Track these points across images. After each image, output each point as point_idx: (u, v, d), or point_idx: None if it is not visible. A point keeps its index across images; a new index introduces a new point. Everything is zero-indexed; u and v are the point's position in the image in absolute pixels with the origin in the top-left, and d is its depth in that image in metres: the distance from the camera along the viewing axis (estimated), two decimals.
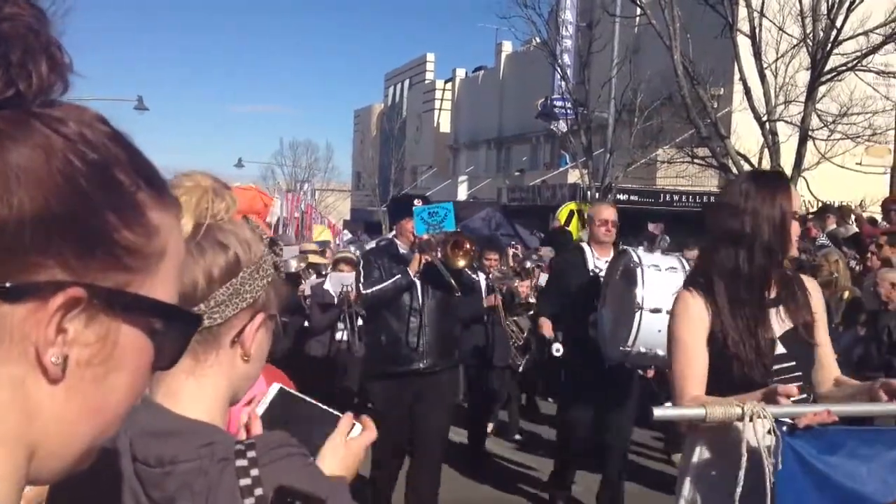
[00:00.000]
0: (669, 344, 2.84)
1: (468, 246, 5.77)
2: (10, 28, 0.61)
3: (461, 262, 5.68)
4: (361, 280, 5.86)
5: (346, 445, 1.51)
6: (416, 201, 5.94)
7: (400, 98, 52.72)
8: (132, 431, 1.19)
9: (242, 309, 1.28)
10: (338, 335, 7.94)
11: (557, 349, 6.38)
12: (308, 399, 1.58)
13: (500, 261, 9.28)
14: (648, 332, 5.31)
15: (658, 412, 2.41)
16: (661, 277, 5.42)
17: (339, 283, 7.93)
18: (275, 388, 1.53)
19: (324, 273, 9.43)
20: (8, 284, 0.60)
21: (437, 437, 5.92)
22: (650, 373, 6.36)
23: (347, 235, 25.08)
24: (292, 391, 1.54)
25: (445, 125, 47.87)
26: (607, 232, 6.23)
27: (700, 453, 2.79)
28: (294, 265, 9.17)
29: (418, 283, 5.71)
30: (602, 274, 6.06)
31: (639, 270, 5.41)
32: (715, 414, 2.34)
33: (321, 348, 7.98)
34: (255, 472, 1.18)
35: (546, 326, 6.56)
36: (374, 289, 5.69)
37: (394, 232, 6.18)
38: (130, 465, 1.19)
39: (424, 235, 5.70)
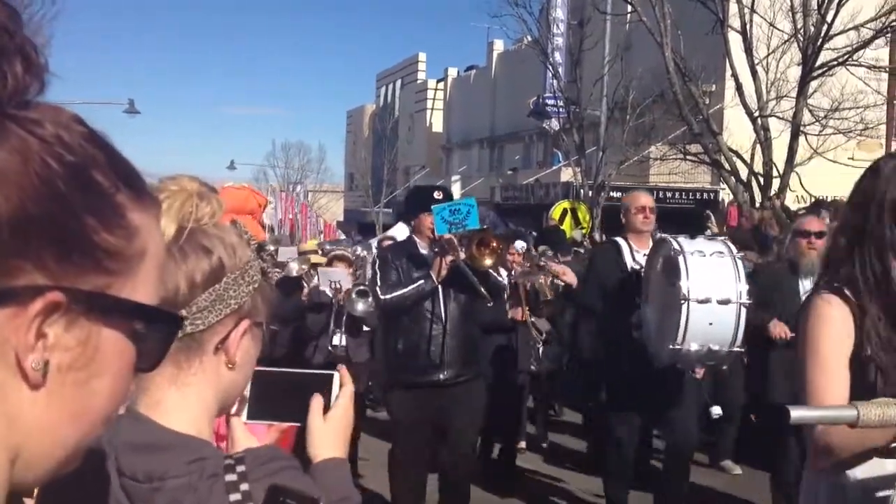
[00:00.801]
0: (804, 358, 2.37)
1: (495, 244, 5.24)
2: None
3: (488, 262, 5.16)
4: (378, 283, 5.28)
5: (328, 422, 1.47)
6: (435, 193, 5.38)
7: (392, 98, 52.68)
8: (117, 444, 1.16)
9: (226, 315, 1.25)
10: (335, 339, 7.33)
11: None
12: (286, 370, 1.55)
13: (524, 256, 8.88)
14: (699, 325, 4.84)
15: (796, 413, 1.92)
16: (707, 264, 4.93)
17: (326, 279, 7.36)
18: None
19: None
20: None
21: (468, 454, 5.49)
22: (699, 372, 5.70)
23: (342, 237, 25.03)
24: (266, 368, 1.48)
25: (438, 125, 47.83)
26: (646, 220, 5.64)
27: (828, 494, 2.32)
28: (295, 269, 8.53)
29: (440, 286, 5.22)
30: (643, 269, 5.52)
31: (681, 259, 4.90)
32: (870, 415, 1.88)
33: (320, 354, 7.40)
34: (245, 486, 1.16)
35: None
36: (393, 294, 5.17)
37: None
38: (117, 480, 1.16)
39: (446, 236, 5.12)
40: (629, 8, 17.63)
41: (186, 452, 1.18)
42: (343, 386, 1.50)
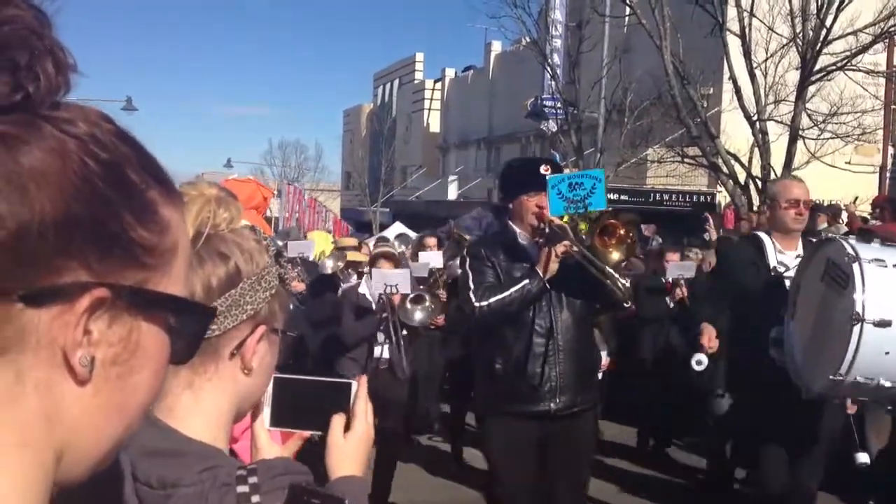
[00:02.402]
0: None
1: (622, 232, 4.06)
2: (11, 31, 0.60)
3: (615, 256, 4.00)
4: (471, 286, 4.11)
5: (349, 439, 1.46)
6: (542, 167, 4.19)
7: (389, 98, 52.65)
8: (133, 449, 1.16)
9: (242, 321, 1.25)
10: (376, 351, 6.06)
11: (699, 361, 4.70)
12: (307, 377, 1.54)
13: None
14: (872, 354, 3.81)
15: None
16: (889, 276, 3.91)
17: (381, 282, 6.02)
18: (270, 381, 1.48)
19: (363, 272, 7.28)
20: (25, 290, 0.60)
21: (578, 495, 4.45)
22: (851, 407, 4.52)
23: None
24: (287, 375, 1.48)
25: (435, 125, 47.83)
26: (798, 216, 4.63)
27: None
28: (330, 265, 7.38)
29: (548, 288, 4.09)
30: (788, 274, 4.52)
31: (856, 267, 3.86)
32: None
33: (356, 368, 6.07)
34: (256, 498, 1.16)
35: (709, 333, 4.64)
36: (491, 300, 4.03)
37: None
38: (131, 485, 1.16)
39: (556, 219, 4.02)
40: (628, 10, 17.63)
41: (199, 460, 1.18)
42: (359, 399, 1.49)
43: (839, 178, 17.38)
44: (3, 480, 0.61)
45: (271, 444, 1.44)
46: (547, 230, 4.00)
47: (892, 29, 14.99)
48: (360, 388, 1.49)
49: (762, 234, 4.82)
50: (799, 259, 4.54)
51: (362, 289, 6.35)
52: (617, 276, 3.93)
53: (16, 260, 0.59)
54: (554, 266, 3.96)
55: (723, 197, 18.99)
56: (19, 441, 0.62)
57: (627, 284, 4.10)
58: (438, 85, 48.06)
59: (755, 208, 14.55)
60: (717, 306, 4.84)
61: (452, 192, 38.78)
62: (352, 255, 7.86)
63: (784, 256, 4.64)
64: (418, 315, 6.09)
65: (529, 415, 4.15)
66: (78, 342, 0.63)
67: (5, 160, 0.59)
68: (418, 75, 50.52)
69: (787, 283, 4.51)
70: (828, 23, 14.58)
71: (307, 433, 1.51)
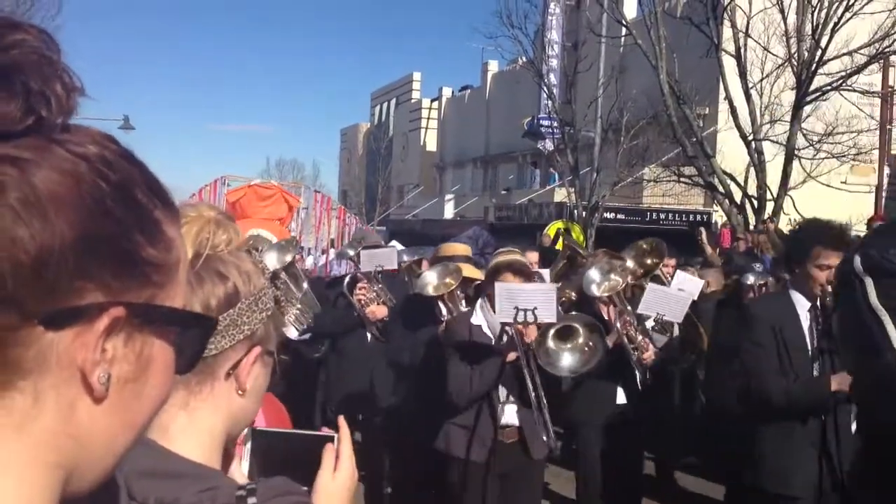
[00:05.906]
0: None
1: None
2: (21, 55, 0.61)
3: None
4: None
5: (336, 480, 1.47)
6: None
7: (386, 117, 52.81)
8: (128, 470, 1.15)
9: (239, 341, 1.26)
10: (506, 415, 4.10)
11: None
12: (286, 430, 1.56)
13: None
14: None
15: None
16: None
17: (510, 303, 3.85)
18: (248, 433, 1.50)
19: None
20: (46, 313, 0.61)
21: None
22: None
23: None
24: (266, 428, 1.50)
25: (432, 144, 47.95)
26: None
27: None
28: (432, 285, 4.87)
29: None
30: None
31: None
32: None
33: (466, 438, 4.09)
34: None
35: None
36: None
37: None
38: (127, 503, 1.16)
39: None
40: (624, 31, 17.73)
41: (199, 481, 1.18)
42: (343, 444, 1.50)
43: (835, 198, 17.43)
44: (19, 498, 0.61)
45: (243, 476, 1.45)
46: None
47: (887, 50, 15.08)
48: (342, 439, 1.50)
49: None
50: None
51: (477, 319, 4.18)
52: None
53: (37, 283, 0.60)
54: None
55: (719, 216, 19.05)
56: (36, 461, 0.62)
57: None
58: (435, 104, 48.24)
59: (751, 227, 14.58)
60: None
61: (449, 211, 38.81)
62: (468, 272, 5.03)
63: None
64: (568, 360, 3.98)
65: None
66: (96, 361, 0.63)
67: (22, 184, 0.59)
68: (415, 94, 50.70)
69: None
70: (823, 43, 14.68)
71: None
